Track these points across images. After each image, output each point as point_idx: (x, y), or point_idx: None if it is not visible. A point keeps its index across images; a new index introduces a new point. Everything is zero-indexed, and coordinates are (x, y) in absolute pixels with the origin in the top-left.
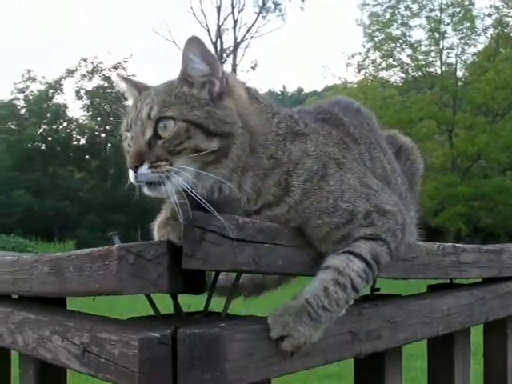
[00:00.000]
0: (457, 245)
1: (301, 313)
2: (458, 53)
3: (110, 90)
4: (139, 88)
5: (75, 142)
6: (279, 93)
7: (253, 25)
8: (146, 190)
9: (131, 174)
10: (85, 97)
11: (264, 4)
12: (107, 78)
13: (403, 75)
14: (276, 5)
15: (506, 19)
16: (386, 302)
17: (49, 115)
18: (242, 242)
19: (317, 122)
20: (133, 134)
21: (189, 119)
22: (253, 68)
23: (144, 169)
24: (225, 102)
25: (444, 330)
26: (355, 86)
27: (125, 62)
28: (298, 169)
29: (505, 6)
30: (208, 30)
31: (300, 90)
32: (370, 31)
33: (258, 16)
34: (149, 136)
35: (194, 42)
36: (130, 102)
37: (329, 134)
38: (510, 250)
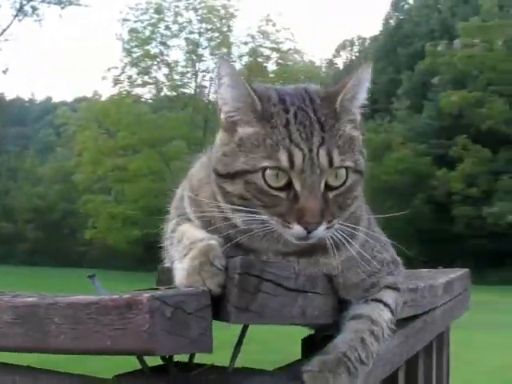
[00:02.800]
0: None
1: (339, 368)
2: (213, 76)
3: None
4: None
5: None
6: (27, 100)
7: (8, 27)
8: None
9: (298, 230)
10: None
11: (22, 7)
12: None
13: (157, 93)
14: (34, 9)
15: (261, 49)
16: None
17: None
18: (296, 292)
19: None
20: (305, 181)
21: (360, 170)
22: (4, 72)
23: (321, 230)
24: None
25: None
26: (107, 99)
27: None
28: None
29: (261, 36)
30: None
31: (49, 99)
32: (128, 47)
33: (15, 18)
34: (323, 187)
35: (367, 70)
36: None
37: None
38: (421, 288)
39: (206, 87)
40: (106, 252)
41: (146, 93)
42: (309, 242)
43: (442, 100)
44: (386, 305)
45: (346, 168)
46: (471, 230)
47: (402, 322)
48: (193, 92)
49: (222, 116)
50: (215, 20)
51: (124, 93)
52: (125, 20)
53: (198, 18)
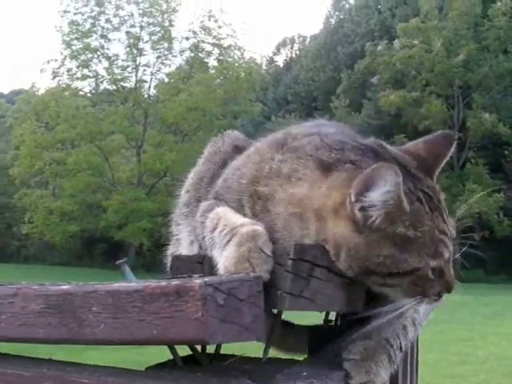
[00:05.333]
0: None
1: (381, 355)
2: (154, 71)
3: None
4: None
5: None
6: None
7: None
8: None
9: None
10: None
11: None
12: None
13: (96, 86)
14: None
15: (202, 44)
16: None
17: None
18: (344, 278)
19: None
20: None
21: None
22: None
23: None
24: None
25: None
26: (46, 92)
27: None
28: None
29: (202, 31)
30: None
31: None
32: (68, 39)
33: None
34: None
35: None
36: None
37: None
38: None
39: (146, 82)
40: (44, 247)
41: (86, 86)
42: None
43: (381, 99)
44: None
45: None
46: None
47: None
48: (133, 86)
49: None
50: (157, 14)
51: (63, 86)
52: (65, 12)
53: (140, 11)
